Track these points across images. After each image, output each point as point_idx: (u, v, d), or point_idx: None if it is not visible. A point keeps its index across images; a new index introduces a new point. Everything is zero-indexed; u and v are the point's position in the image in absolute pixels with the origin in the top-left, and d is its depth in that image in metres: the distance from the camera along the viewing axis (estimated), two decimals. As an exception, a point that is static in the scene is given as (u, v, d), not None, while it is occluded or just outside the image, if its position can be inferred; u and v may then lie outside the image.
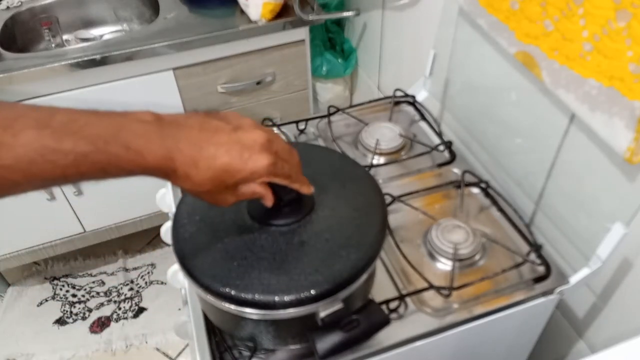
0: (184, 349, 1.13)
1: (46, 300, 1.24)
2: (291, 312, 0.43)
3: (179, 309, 1.18)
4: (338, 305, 0.44)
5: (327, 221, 0.46)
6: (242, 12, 0.99)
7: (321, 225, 0.45)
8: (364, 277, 0.44)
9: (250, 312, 0.44)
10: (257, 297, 0.41)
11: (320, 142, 0.73)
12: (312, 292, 0.41)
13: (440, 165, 0.69)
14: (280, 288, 0.41)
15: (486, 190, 0.65)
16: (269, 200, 0.41)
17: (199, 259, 0.43)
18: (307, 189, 0.43)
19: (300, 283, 0.41)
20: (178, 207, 0.48)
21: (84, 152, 0.31)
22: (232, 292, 0.41)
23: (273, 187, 0.41)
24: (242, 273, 0.42)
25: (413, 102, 0.79)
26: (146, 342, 1.14)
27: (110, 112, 0.33)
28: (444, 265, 0.57)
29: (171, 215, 0.61)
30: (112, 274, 1.29)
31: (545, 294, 0.53)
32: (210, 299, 0.44)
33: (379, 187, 0.51)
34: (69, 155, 0.30)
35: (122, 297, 1.23)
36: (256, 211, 0.46)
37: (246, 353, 0.49)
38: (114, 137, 0.32)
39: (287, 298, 0.40)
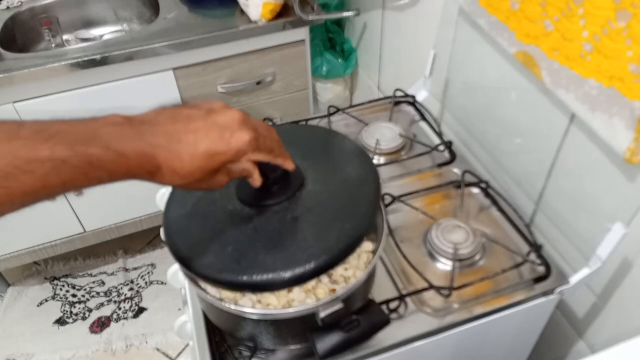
0: (184, 349, 1.13)
1: (46, 300, 1.24)
2: (292, 312, 0.43)
3: (179, 309, 1.18)
4: (338, 306, 0.44)
5: (318, 195, 0.45)
6: (242, 12, 0.99)
7: (313, 200, 0.44)
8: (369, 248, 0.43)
9: (250, 312, 0.44)
10: (255, 278, 0.39)
11: (320, 142, 0.73)
12: (312, 265, 0.40)
13: (440, 165, 0.69)
14: (278, 266, 0.40)
15: (486, 190, 0.65)
16: (256, 180, 0.41)
17: (193, 251, 0.42)
18: (290, 164, 0.42)
19: (298, 258, 0.40)
20: (167, 205, 0.47)
21: (63, 158, 0.30)
22: (230, 277, 0.40)
23: (259, 166, 0.40)
24: (238, 257, 0.41)
25: (413, 102, 0.79)
26: (146, 342, 1.14)
27: (79, 119, 0.32)
28: (444, 265, 0.57)
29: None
30: (112, 274, 1.29)
31: (545, 294, 0.53)
32: (210, 298, 0.44)
33: (369, 157, 0.50)
34: (46, 163, 0.29)
35: (122, 297, 1.23)
36: (245, 195, 0.45)
37: (246, 353, 0.49)
38: (91, 140, 0.31)
39: (286, 275, 0.39)
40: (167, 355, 1.13)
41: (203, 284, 0.49)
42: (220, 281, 0.41)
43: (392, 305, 0.52)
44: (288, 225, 0.43)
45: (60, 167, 0.30)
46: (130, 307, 1.21)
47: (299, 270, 0.39)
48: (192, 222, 0.45)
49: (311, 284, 0.49)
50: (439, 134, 0.73)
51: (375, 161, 0.70)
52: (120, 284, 1.26)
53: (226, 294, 0.48)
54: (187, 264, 0.42)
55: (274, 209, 0.44)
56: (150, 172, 0.34)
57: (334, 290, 0.48)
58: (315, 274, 0.40)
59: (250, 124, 0.37)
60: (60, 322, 1.19)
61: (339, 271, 0.50)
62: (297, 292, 0.48)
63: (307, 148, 0.49)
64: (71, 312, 1.21)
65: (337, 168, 0.48)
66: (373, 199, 0.45)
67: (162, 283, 1.25)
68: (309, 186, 0.45)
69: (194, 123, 0.35)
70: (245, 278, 0.40)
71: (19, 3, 1.06)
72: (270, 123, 0.74)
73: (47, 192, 0.30)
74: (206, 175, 0.36)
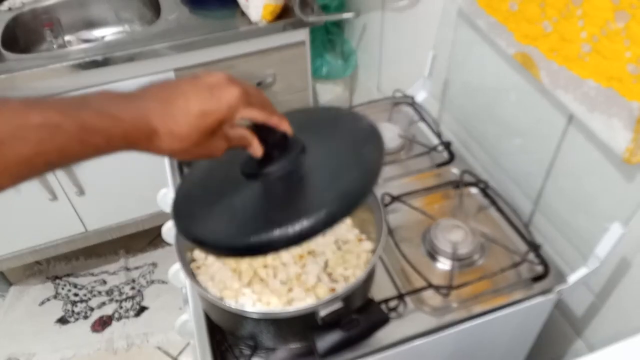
0: (185, 348, 1.13)
1: (48, 300, 1.25)
2: (292, 311, 0.43)
3: (180, 308, 1.18)
4: (338, 305, 0.45)
5: (322, 155, 0.44)
6: (243, 13, 0.99)
7: (317, 160, 0.43)
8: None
9: (251, 311, 0.45)
10: (272, 235, 0.38)
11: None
12: (324, 212, 0.38)
13: (440, 165, 0.69)
14: (291, 220, 0.38)
15: (485, 190, 0.65)
16: (257, 148, 0.40)
17: (204, 229, 0.41)
18: (286, 126, 0.42)
19: (311, 209, 0.39)
20: (174, 198, 0.47)
21: (56, 123, 0.29)
22: (245, 240, 0.38)
23: (257, 135, 0.40)
24: (250, 222, 0.40)
25: (412, 103, 0.80)
26: (147, 341, 1.14)
27: (68, 96, 0.32)
28: (443, 264, 0.57)
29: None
30: (114, 273, 1.29)
31: (543, 293, 0.54)
32: (211, 297, 0.44)
33: (367, 118, 0.49)
34: (39, 129, 0.28)
35: (124, 296, 1.24)
36: (249, 168, 0.44)
37: (247, 352, 0.50)
38: (83, 106, 0.31)
39: (303, 224, 0.37)
40: (168, 354, 1.13)
41: (204, 284, 0.49)
42: (236, 247, 0.39)
43: (392, 304, 0.52)
44: (295, 186, 0.42)
45: (54, 132, 0.29)
46: (132, 306, 1.21)
47: (313, 221, 0.38)
48: (199, 204, 0.45)
49: (311, 283, 0.50)
50: (438, 135, 0.73)
51: (375, 161, 0.70)
52: (122, 283, 1.26)
53: (227, 292, 0.49)
54: (201, 241, 0.41)
55: (278, 175, 0.43)
56: (148, 137, 0.34)
57: (333, 290, 0.49)
58: (330, 222, 0.38)
59: (238, 82, 0.38)
60: (62, 321, 1.20)
61: (338, 270, 0.51)
62: (297, 291, 0.49)
63: (305, 121, 0.49)
64: (73, 311, 1.22)
65: (336, 131, 0.48)
66: (378, 148, 0.44)
67: (163, 282, 1.26)
68: (311, 150, 0.44)
69: (182, 87, 0.36)
70: (261, 238, 0.38)
71: (21, 4, 1.06)
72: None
73: (43, 160, 0.30)
74: (203, 137, 0.36)
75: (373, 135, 0.45)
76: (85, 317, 1.20)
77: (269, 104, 0.41)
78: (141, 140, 0.34)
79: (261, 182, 0.43)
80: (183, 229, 0.43)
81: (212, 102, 0.36)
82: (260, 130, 0.40)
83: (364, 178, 0.41)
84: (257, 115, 0.39)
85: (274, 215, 0.39)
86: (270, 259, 0.52)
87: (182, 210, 0.45)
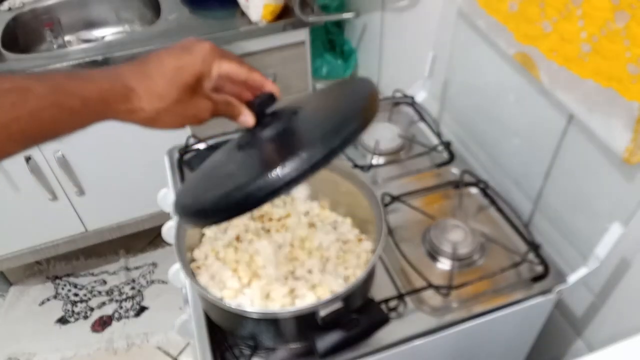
0: (185, 348, 1.13)
1: (48, 300, 1.25)
2: (292, 311, 0.43)
3: (180, 308, 1.18)
4: (338, 305, 0.45)
5: (315, 111, 0.43)
6: (243, 13, 0.99)
7: (310, 115, 0.42)
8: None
9: (251, 311, 0.45)
10: (268, 178, 0.35)
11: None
12: (319, 145, 0.36)
13: (439, 165, 0.69)
14: (286, 160, 0.36)
15: (485, 191, 0.65)
16: (247, 116, 0.40)
17: (203, 198, 0.40)
18: (271, 85, 0.41)
19: (306, 146, 0.36)
20: (176, 198, 0.46)
21: (26, 86, 0.30)
22: (243, 192, 0.36)
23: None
24: (246, 176, 0.38)
25: (412, 103, 0.80)
26: (147, 341, 1.14)
27: None
28: (443, 264, 0.57)
29: (172, 214, 0.61)
30: (114, 273, 1.29)
31: (543, 293, 0.54)
32: (211, 297, 0.44)
33: (361, 78, 0.48)
34: (10, 93, 0.29)
35: (124, 296, 1.24)
36: (245, 141, 0.43)
37: (247, 352, 0.50)
38: (55, 74, 0.32)
39: (299, 160, 0.36)
40: (168, 354, 1.13)
41: (204, 284, 0.49)
42: (235, 201, 0.37)
43: (392, 304, 0.52)
44: (289, 137, 0.40)
45: (25, 94, 0.29)
46: (132, 306, 1.21)
47: (310, 153, 0.36)
48: (198, 190, 0.44)
49: (311, 282, 0.50)
50: (438, 135, 0.73)
51: (374, 161, 0.70)
52: (122, 283, 1.26)
53: (227, 292, 0.49)
54: (199, 210, 0.39)
55: (272, 136, 0.41)
56: (126, 96, 0.34)
57: (334, 290, 0.49)
58: (328, 155, 0.36)
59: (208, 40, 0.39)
60: (62, 321, 1.20)
61: (338, 270, 0.51)
62: (297, 291, 0.49)
63: (297, 101, 0.48)
64: (73, 311, 1.22)
65: (329, 93, 0.47)
66: (371, 88, 0.42)
67: (163, 282, 1.26)
68: (304, 112, 0.43)
69: (155, 53, 0.37)
70: (256, 184, 0.36)
71: (21, 4, 1.06)
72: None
73: (19, 127, 0.29)
74: (183, 94, 0.36)
75: (364, 82, 0.45)
76: (85, 317, 1.20)
77: (248, 64, 0.40)
78: (119, 100, 0.34)
79: (255, 146, 0.42)
80: (182, 212, 0.42)
81: (185, 57, 0.36)
82: (249, 102, 0.40)
83: (358, 111, 0.39)
84: (237, 69, 0.39)
85: (269, 163, 0.37)
86: (270, 258, 0.52)
87: (182, 201, 0.44)
